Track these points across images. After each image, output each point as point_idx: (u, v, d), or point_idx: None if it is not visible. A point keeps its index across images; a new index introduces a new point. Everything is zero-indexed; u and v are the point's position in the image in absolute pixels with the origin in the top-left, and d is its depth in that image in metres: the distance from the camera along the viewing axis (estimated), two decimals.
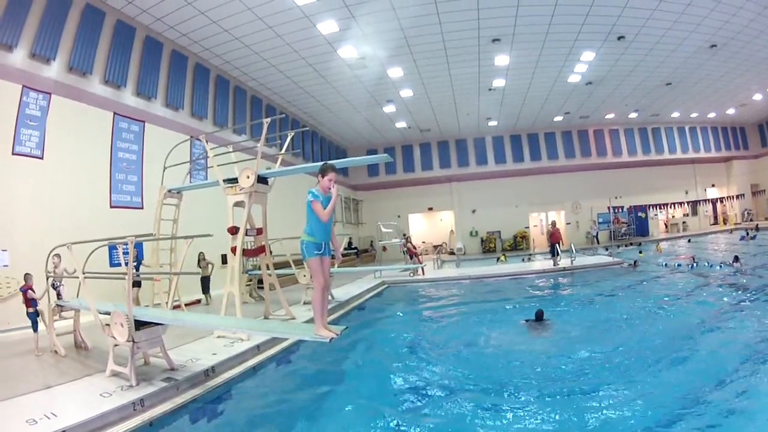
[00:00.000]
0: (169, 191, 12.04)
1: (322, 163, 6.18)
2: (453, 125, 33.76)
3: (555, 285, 18.38)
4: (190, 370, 7.30)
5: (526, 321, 11.27)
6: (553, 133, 36.93)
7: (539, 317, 11.14)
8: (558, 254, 21.80)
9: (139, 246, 12.94)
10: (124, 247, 7.14)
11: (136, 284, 11.90)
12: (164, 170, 12.31)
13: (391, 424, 6.03)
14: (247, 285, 15.29)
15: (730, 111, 35.27)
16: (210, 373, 7.52)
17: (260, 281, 13.75)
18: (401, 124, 31.99)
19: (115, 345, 6.84)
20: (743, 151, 39.41)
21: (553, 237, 22.11)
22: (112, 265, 12.55)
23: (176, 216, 12.20)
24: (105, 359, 7.04)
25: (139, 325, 6.79)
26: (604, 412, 6.08)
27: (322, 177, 5.87)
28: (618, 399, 6.44)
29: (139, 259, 12.42)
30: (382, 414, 6.38)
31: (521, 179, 36.71)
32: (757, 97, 31.57)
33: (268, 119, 11.04)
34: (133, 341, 6.61)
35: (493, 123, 33.95)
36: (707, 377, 6.95)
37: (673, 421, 5.63)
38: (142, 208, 14.65)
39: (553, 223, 23.42)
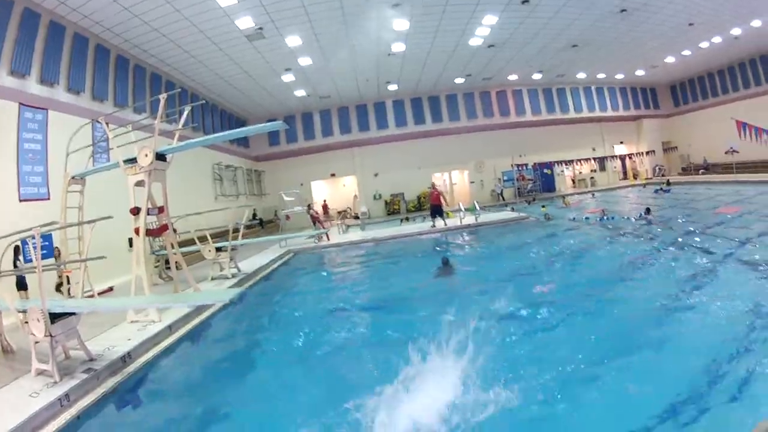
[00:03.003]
0: (73, 177, 11.97)
1: None
2: (353, 91, 34.10)
3: (459, 241, 19.58)
4: (107, 359, 7.61)
5: (438, 268, 12.32)
6: (455, 95, 37.96)
7: (445, 263, 12.25)
8: (441, 216, 21.85)
9: (48, 237, 12.88)
10: (34, 241, 7.33)
11: (22, 286, 10.87)
12: (67, 156, 12.21)
13: (310, 390, 6.54)
14: (155, 266, 15.38)
15: (640, 72, 37.22)
16: (127, 359, 7.92)
17: (168, 261, 13.79)
18: (300, 93, 31.90)
19: (36, 342, 6.99)
20: (654, 110, 41.97)
21: (432, 199, 22.14)
22: (26, 260, 11.93)
23: (81, 203, 12.14)
24: (30, 359, 7.13)
25: (55, 317, 6.93)
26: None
27: None
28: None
29: (26, 259, 11.57)
30: (300, 381, 6.98)
31: (423, 141, 37.55)
32: (670, 59, 33.25)
33: (165, 95, 10.97)
34: (51, 335, 6.78)
35: (393, 87, 34.38)
36: (621, 324, 7.90)
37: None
38: (48, 198, 14.13)
39: (432, 185, 23.86)
